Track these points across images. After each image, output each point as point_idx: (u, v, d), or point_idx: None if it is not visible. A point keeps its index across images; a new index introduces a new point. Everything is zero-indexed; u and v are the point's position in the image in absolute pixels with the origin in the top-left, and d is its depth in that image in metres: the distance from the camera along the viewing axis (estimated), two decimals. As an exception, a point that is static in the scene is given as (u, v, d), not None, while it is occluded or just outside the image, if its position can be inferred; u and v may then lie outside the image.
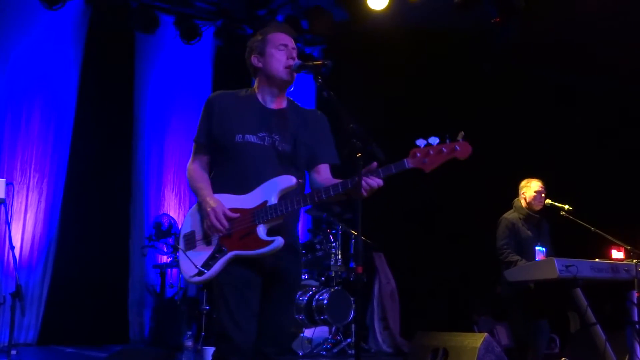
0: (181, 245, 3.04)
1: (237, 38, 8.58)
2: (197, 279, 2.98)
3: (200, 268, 2.96)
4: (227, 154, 3.07)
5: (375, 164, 2.85)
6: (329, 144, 3.25)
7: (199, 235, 3.04)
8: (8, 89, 7.56)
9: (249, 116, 3.11)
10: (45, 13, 7.63)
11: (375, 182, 2.84)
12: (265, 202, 2.97)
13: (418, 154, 2.85)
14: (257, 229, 2.95)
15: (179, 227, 7.77)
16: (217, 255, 2.96)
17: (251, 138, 3.06)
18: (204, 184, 3.08)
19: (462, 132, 2.86)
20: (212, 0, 8.62)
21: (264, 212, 2.95)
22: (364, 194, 2.83)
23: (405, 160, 2.87)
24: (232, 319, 2.89)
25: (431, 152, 2.85)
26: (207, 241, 3.00)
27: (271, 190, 2.98)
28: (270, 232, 2.96)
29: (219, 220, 2.94)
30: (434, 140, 2.86)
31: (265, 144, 3.07)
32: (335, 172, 3.23)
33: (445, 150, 2.85)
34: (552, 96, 7.92)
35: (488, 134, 8.04)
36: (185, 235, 3.08)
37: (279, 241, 2.92)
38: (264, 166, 3.03)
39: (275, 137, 3.09)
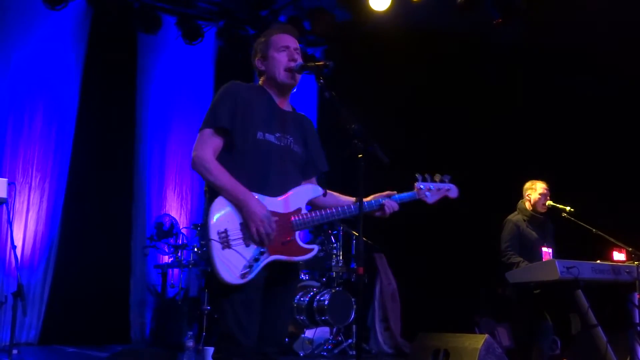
0: (217, 244, 2.86)
1: (239, 39, 8.59)
2: (240, 281, 2.85)
3: (245, 270, 2.86)
4: (245, 148, 3.00)
5: (394, 192, 3.24)
6: (321, 151, 3.32)
7: (234, 234, 2.89)
8: (11, 89, 7.58)
9: (268, 114, 3.09)
10: (48, 13, 7.64)
11: (396, 205, 3.23)
12: (300, 209, 3.02)
13: (422, 187, 3.31)
14: (296, 235, 2.99)
15: (181, 226, 7.88)
16: (258, 257, 2.90)
17: (270, 137, 3.04)
18: (233, 180, 2.93)
19: (449, 176, 3.38)
20: (214, 0, 8.62)
21: (301, 220, 3.00)
22: (387, 214, 3.22)
23: (415, 192, 3.32)
24: (237, 320, 2.87)
25: (431, 187, 3.34)
26: (245, 242, 2.90)
27: (303, 198, 3.05)
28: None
29: (272, 229, 2.90)
30: (428, 177, 3.34)
31: (282, 144, 3.07)
32: (335, 174, 3.27)
33: (440, 189, 3.37)
34: (554, 97, 7.92)
35: (491, 135, 8.05)
36: (220, 233, 2.88)
37: (316, 249, 3.02)
38: (283, 167, 3.04)
39: (290, 138, 3.11)
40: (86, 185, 7.87)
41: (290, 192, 3.02)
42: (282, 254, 2.94)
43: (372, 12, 7.73)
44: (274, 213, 2.94)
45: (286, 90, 3.18)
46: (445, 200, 3.39)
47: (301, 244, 2.99)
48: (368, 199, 3.16)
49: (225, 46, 8.85)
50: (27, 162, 7.62)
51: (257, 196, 2.93)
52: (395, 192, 3.23)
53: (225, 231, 2.89)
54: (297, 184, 3.10)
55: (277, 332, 3.10)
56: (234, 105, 3.01)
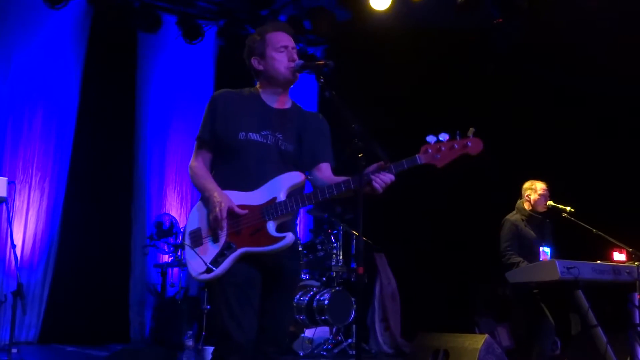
0: (187, 242, 2.98)
1: (239, 38, 8.58)
2: (205, 276, 2.92)
3: (209, 265, 2.90)
4: (230, 151, 3.06)
5: (386, 161, 2.87)
6: (327, 145, 3.28)
7: (205, 232, 2.99)
8: (11, 87, 7.57)
9: (253, 115, 3.11)
10: (48, 13, 7.64)
11: (388, 177, 2.86)
12: (274, 198, 2.98)
13: (430, 150, 2.85)
14: (267, 225, 2.94)
15: (181, 226, 7.88)
16: (225, 252, 2.92)
17: (254, 136, 3.06)
18: (209, 180, 3.06)
19: (473, 128, 2.86)
20: (214, 0, 8.62)
21: (273, 209, 2.95)
22: (379, 190, 2.86)
23: (417, 156, 2.87)
24: (233, 318, 2.87)
25: (443, 148, 2.85)
26: (214, 238, 2.96)
27: (279, 187, 2.99)
28: (278, 229, 2.96)
29: (222, 215, 2.91)
30: (444, 137, 2.86)
31: (269, 142, 3.07)
32: (337, 173, 3.24)
33: (457, 146, 2.86)
34: (555, 97, 7.91)
35: (490, 134, 8.03)
36: (191, 232, 3.02)
37: (289, 237, 2.93)
38: (266, 165, 3.04)
39: (279, 136, 3.09)
40: (86, 185, 7.87)
41: (265, 184, 3.01)
42: (250, 246, 2.93)
43: (372, 11, 7.72)
44: (244, 206, 2.96)
45: (286, 87, 3.18)
46: (464, 159, 2.89)
47: (273, 233, 2.94)
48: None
49: (225, 46, 8.85)
50: (27, 161, 7.61)
51: (230, 192, 2.99)
52: (387, 161, 2.87)
53: (198, 229, 3.02)
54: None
55: (278, 332, 3.10)
56: (213, 115, 3.13)
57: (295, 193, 3.01)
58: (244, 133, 3.05)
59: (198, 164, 3.14)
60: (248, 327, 2.90)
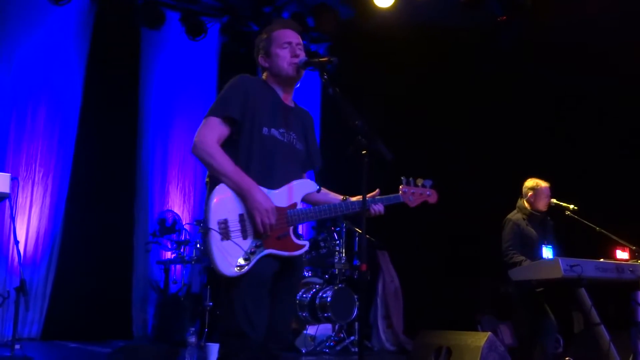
0: (216, 233, 2.85)
1: (242, 35, 8.59)
2: (237, 273, 2.84)
3: (242, 262, 2.85)
4: (251, 142, 3.00)
5: (378, 191, 3.27)
6: (317, 147, 3.35)
7: (234, 225, 2.88)
8: (14, 84, 7.58)
9: (274, 110, 3.10)
10: (51, 9, 7.65)
11: (380, 209, 3.26)
12: (295, 204, 3.01)
13: (405, 190, 3.36)
14: (291, 230, 2.98)
15: (183, 222, 7.88)
16: (254, 250, 2.89)
17: (275, 133, 3.06)
18: (239, 170, 2.92)
19: (430, 181, 3.45)
20: (218, -4, 8.63)
21: (297, 215, 2.99)
22: (372, 215, 3.24)
23: (399, 195, 3.35)
24: (246, 316, 2.85)
25: (413, 191, 3.39)
26: (243, 233, 2.89)
27: (299, 193, 3.05)
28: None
29: (273, 221, 2.89)
30: (411, 181, 3.39)
31: (286, 140, 3.09)
32: (338, 170, 3.26)
33: (421, 193, 3.44)
34: (557, 95, 7.90)
35: (493, 132, 8.04)
36: (220, 222, 2.87)
37: (307, 246, 3.03)
38: (286, 163, 3.06)
39: (292, 135, 3.12)
40: (89, 181, 7.87)
41: (288, 186, 3.02)
42: (277, 249, 2.94)
43: (376, 8, 7.72)
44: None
45: (290, 86, 3.19)
46: (425, 205, 3.49)
47: (294, 239, 2.99)
48: (353, 199, 3.17)
49: (228, 42, 8.85)
50: (30, 157, 7.62)
51: (262, 189, 2.94)
52: (377, 191, 3.26)
53: (225, 221, 2.87)
54: (295, 178, 3.10)
55: (282, 329, 3.10)
56: (245, 98, 3.01)
57: (306, 202, 3.13)
58: (267, 129, 3.03)
59: (212, 142, 2.94)
60: (259, 325, 2.89)
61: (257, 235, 2.90)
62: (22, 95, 7.63)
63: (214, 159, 2.91)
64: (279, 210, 2.95)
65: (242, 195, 2.89)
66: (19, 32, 7.64)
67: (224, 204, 2.89)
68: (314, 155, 3.28)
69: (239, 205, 2.90)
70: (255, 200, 2.87)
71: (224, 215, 2.87)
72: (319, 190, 3.15)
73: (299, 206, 3.02)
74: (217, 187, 2.91)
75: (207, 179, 3.04)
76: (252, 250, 2.88)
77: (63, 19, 7.90)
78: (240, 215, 2.90)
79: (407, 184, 3.36)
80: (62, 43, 7.92)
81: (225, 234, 2.85)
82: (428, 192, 3.45)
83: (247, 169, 2.95)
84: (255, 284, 2.89)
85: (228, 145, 2.99)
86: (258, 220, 2.87)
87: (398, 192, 3.33)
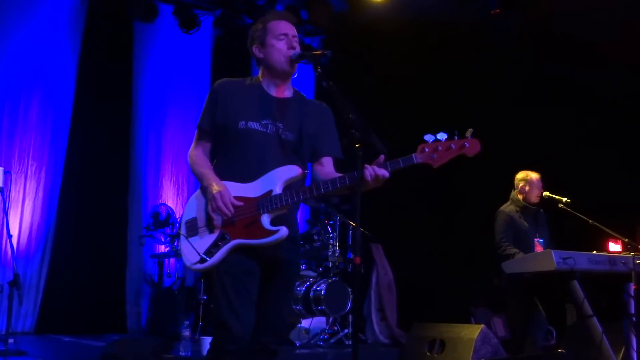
0: (183, 231, 3.00)
1: (236, 28, 8.55)
2: (199, 266, 2.94)
3: (203, 255, 2.92)
4: (230, 140, 3.07)
5: (382, 157, 2.87)
6: (333, 137, 3.25)
7: (201, 221, 3.01)
8: (6, 77, 7.53)
9: (253, 103, 3.10)
10: (44, 1, 7.60)
11: (381, 172, 2.85)
12: (270, 191, 2.98)
13: (426, 149, 2.88)
14: (262, 218, 2.94)
15: (177, 216, 7.87)
16: (219, 242, 2.93)
17: (254, 125, 3.05)
18: (207, 169, 3.07)
19: (471, 129, 2.89)
20: (211, -11, 8.59)
21: (268, 202, 2.95)
22: (370, 183, 2.84)
23: (413, 155, 2.89)
24: (230, 308, 2.88)
25: (439, 147, 2.87)
26: (210, 228, 2.97)
27: (276, 180, 2.99)
28: (273, 222, 2.96)
29: (225, 204, 2.92)
30: (442, 136, 2.89)
31: (269, 131, 3.07)
32: (337, 165, 3.24)
33: (454, 146, 2.89)
34: (551, 88, 7.91)
35: (486, 125, 8.04)
36: (187, 222, 3.04)
37: (283, 231, 2.93)
38: (266, 154, 3.03)
39: (279, 125, 3.09)
40: (82, 175, 7.85)
41: (264, 176, 3.01)
42: (243, 238, 2.94)
43: (369, 1, 7.72)
44: (240, 198, 2.97)
45: (285, 77, 3.17)
46: (460, 159, 2.92)
47: (267, 226, 2.95)
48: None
49: (222, 35, 8.81)
50: (23, 150, 7.58)
51: (227, 183, 2.99)
52: (382, 157, 2.89)
53: (194, 220, 3.03)
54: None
55: (277, 323, 3.11)
56: (214, 105, 3.13)
57: (292, 186, 3.00)
58: (243, 122, 3.05)
59: (198, 153, 3.15)
60: (245, 317, 2.90)
61: (224, 228, 2.95)
62: (15, 88, 7.58)
63: (194, 167, 3.13)
64: (248, 200, 2.96)
65: (205, 191, 3.01)
66: (10, 24, 7.59)
67: (195, 204, 3.06)
68: (322, 143, 3.19)
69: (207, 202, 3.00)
70: (209, 191, 2.96)
71: (193, 215, 3.04)
72: (304, 174, 3.09)
73: (277, 192, 2.97)
74: (195, 193, 3.09)
75: None
76: (217, 242, 2.94)
77: (55, 12, 7.85)
78: (207, 212, 2.98)
79: (435, 141, 2.88)
80: (55, 36, 7.87)
81: (192, 231, 3.00)
82: (466, 143, 2.88)
83: (223, 166, 3.06)
84: (238, 277, 2.92)
85: (216, 150, 3.15)
86: (209, 208, 2.95)
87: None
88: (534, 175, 5.95)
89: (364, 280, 7.81)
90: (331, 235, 7.50)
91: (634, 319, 5.24)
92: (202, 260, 2.92)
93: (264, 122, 3.07)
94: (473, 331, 5.23)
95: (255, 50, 3.18)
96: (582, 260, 5.11)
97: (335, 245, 7.50)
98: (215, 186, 2.96)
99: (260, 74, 3.22)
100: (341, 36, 8.80)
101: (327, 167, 3.19)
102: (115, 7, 7.97)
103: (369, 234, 7.48)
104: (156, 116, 8.60)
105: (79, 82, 7.96)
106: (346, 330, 7.22)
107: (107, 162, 8.03)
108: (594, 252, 5.38)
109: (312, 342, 7.01)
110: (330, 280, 7.04)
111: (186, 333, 6.21)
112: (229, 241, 2.93)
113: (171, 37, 8.64)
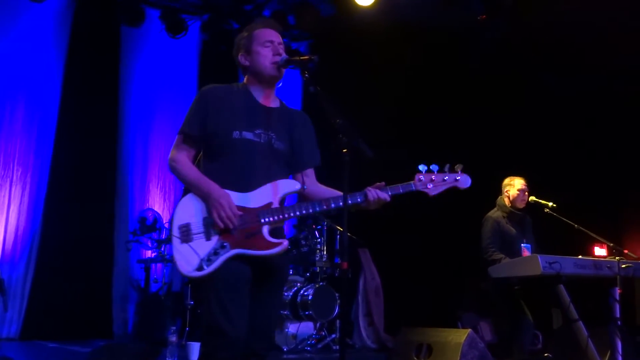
0: (177, 235, 2.90)
1: (223, 33, 8.55)
2: (196, 274, 2.87)
3: (201, 263, 2.87)
4: (222, 149, 3.03)
5: (383, 183, 3.06)
6: (315, 147, 3.30)
7: (196, 228, 2.93)
8: (-9, 81, 7.49)
9: (244, 112, 3.09)
10: (29, 5, 7.56)
11: (383, 195, 3.04)
12: (270, 203, 2.98)
13: (422, 178, 3.11)
14: (263, 229, 2.95)
15: (164, 221, 7.84)
16: (219, 251, 2.89)
17: (248, 135, 3.04)
18: (202, 176, 3.00)
19: (461, 165, 3.15)
20: (198, -6, 8.58)
21: (270, 214, 2.96)
22: (372, 204, 3.03)
23: (412, 183, 3.12)
24: (224, 314, 2.85)
25: (434, 178, 3.13)
26: (207, 235, 2.92)
27: (275, 193, 3.00)
28: (271, 233, 2.98)
29: (235, 214, 2.89)
30: (435, 167, 3.14)
31: (262, 141, 3.06)
32: (322, 168, 3.26)
33: (447, 178, 3.15)
34: (537, 93, 7.96)
35: (472, 131, 8.09)
36: (181, 227, 2.94)
37: (285, 244, 2.96)
38: (260, 164, 3.03)
39: (272, 134, 3.09)
40: (68, 180, 7.80)
41: (264, 187, 3.01)
42: (245, 248, 2.92)
43: (357, 6, 7.73)
44: (240, 208, 2.94)
45: (271, 85, 3.17)
46: (452, 191, 3.16)
47: (269, 238, 2.95)
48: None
49: (209, 40, 8.81)
50: (8, 155, 7.53)
51: (232, 192, 2.96)
52: (384, 183, 3.07)
53: (188, 225, 2.93)
54: (277, 179, 3.07)
55: (267, 328, 3.10)
56: (204, 111, 3.07)
57: (288, 200, 3.05)
58: (238, 132, 3.03)
59: (182, 158, 3.07)
60: (239, 323, 2.88)
61: (223, 236, 2.91)
62: (0, 93, 7.53)
63: (180, 170, 3.05)
64: (248, 210, 2.95)
65: (204, 198, 2.95)
66: (-4, 29, 7.55)
67: (187, 209, 2.96)
68: (307, 153, 3.24)
69: (204, 209, 2.95)
70: (212, 198, 2.91)
71: (186, 220, 2.94)
72: (304, 189, 3.12)
73: (275, 205, 2.99)
74: (184, 197, 3.00)
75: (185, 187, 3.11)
76: (216, 250, 2.89)
77: (41, 16, 7.81)
78: (205, 219, 2.94)
79: (428, 171, 3.12)
80: (41, 40, 7.83)
81: (186, 237, 2.91)
82: (458, 177, 3.16)
83: (220, 176, 2.99)
84: (232, 283, 2.89)
85: (205, 158, 3.09)
86: (215, 215, 2.90)
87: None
88: (520, 181, 5.98)
89: (351, 285, 7.81)
90: (319, 240, 7.50)
91: (619, 323, 5.28)
92: (200, 268, 2.87)
93: (257, 131, 3.06)
94: (460, 336, 5.23)
95: (241, 58, 3.17)
96: (568, 264, 5.14)
97: (323, 250, 7.50)
98: (219, 194, 2.92)
99: (245, 82, 3.21)
100: (329, 41, 8.81)
101: (312, 177, 3.25)
102: (102, 11, 7.95)
103: (356, 238, 7.48)
104: (143, 121, 8.57)
105: (65, 86, 7.92)
106: (334, 335, 7.22)
107: (94, 167, 7.98)
108: (580, 256, 5.41)
109: (299, 347, 7.00)
110: (317, 285, 7.04)
111: (173, 338, 6.17)
112: (228, 250, 2.90)
113: (158, 41, 8.62)
